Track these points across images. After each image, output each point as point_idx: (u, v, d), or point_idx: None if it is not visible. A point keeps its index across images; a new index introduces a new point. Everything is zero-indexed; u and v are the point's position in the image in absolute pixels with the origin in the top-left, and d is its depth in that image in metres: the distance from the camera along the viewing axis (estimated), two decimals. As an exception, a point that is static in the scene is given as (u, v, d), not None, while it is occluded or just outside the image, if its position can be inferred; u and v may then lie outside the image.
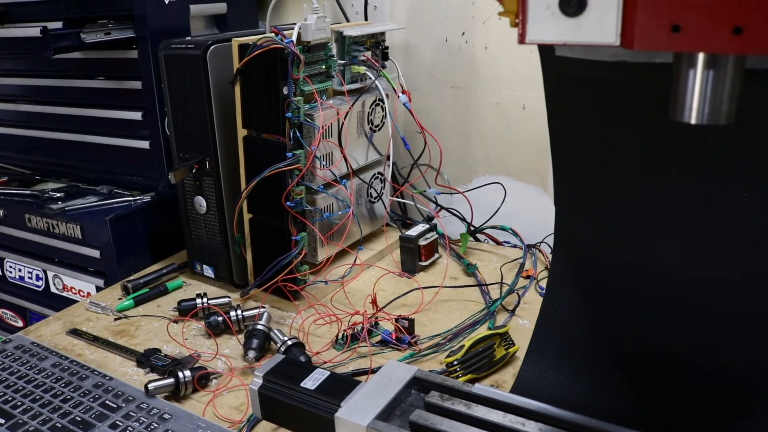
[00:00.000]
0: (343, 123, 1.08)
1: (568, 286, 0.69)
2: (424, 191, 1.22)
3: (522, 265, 1.13)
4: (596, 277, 0.67)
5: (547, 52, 0.58)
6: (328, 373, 0.68)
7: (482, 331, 0.96)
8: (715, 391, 0.63)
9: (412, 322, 0.95)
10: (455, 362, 0.84)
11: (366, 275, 1.16)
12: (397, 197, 1.27)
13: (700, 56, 0.43)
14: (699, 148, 0.58)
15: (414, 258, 1.15)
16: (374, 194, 1.21)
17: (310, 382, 0.66)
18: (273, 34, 0.97)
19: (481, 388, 0.62)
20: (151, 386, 0.85)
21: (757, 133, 0.54)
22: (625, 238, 0.64)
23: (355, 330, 0.95)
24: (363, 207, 1.20)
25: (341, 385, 0.66)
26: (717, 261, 0.61)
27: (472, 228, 1.24)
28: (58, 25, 1.21)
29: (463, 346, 0.86)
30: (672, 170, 0.60)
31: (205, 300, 1.04)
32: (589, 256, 0.67)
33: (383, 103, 1.17)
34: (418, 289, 1.06)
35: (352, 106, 1.09)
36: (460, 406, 0.60)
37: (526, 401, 0.60)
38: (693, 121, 0.44)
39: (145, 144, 1.28)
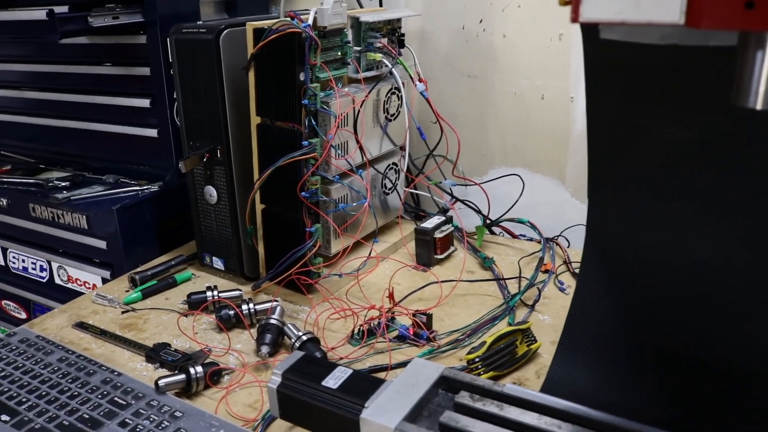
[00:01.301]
0: (359, 111, 1.04)
1: (600, 283, 0.66)
2: (440, 183, 1.19)
3: (541, 259, 1.10)
4: (629, 274, 0.64)
5: (590, 34, 0.55)
6: (351, 371, 0.65)
7: (502, 326, 0.93)
8: (752, 391, 0.60)
9: (430, 317, 0.92)
10: (477, 359, 0.81)
11: (380, 268, 1.13)
12: (411, 189, 1.24)
13: (769, 35, 0.40)
14: (746, 142, 0.55)
15: (429, 251, 1.12)
16: (389, 185, 1.18)
17: (332, 381, 0.63)
18: (289, 18, 0.93)
19: (512, 388, 0.59)
20: (161, 382, 0.82)
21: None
22: (660, 234, 0.61)
23: (372, 325, 0.92)
24: (377, 198, 1.17)
25: (365, 384, 0.63)
26: (758, 262, 0.58)
27: (488, 221, 1.20)
28: (65, 9, 1.17)
29: (484, 342, 0.83)
30: (715, 165, 0.57)
31: (215, 293, 1.01)
32: (622, 253, 0.64)
33: (399, 91, 1.13)
34: (436, 282, 1.03)
35: (369, 93, 1.06)
36: (491, 407, 0.57)
37: (560, 402, 0.57)
38: (759, 107, 0.41)
39: (153, 132, 1.25)
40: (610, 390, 0.65)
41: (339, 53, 1.04)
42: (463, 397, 0.59)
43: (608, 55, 0.55)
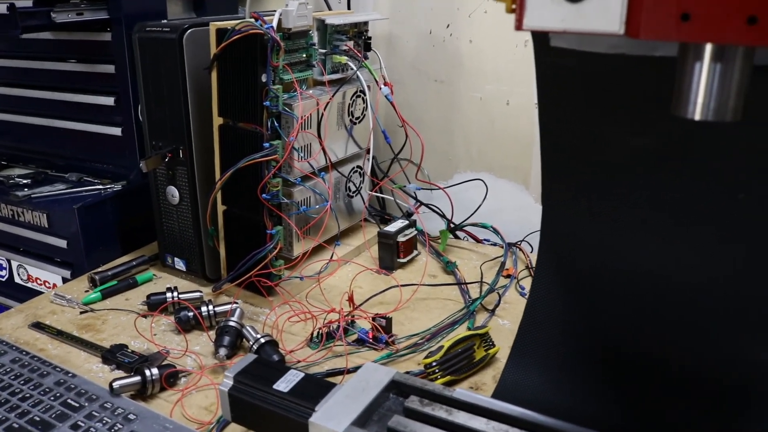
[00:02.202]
0: (322, 114, 1.04)
1: (553, 288, 0.67)
2: (404, 186, 1.19)
3: (503, 263, 1.10)
4: (582, 278, 0.65)
5: (541, 42, 0.56)
6: (303, 374, 0.65)
7: (461, 331, 0.93)
8: (700, 395, 0.61)
9: (389, 320, 0.92)
10: (434, 363, 0.82)
11: (342, 271, 1.13)
12: (376, 192, 1.24)
13: (708, 48, 0.40)
14: (694, 147, 0.56)
15: (392, 255, 1.12)
16: (353, 188, 1.18)
17: (284, 384, 0.63)
18: (253, 20, 0.93)
19: (462, 393, 0.59)
20: (116, 384, 0.81)
21: (758, 133, 0.52)
22: (613, 239, 0.62)
23: (331, 328, 0.91)
24: (341, 201, 1.17)
25: (316, 388, 0.63)
26: (708, 265, 0.59)
27: (452, 225, 1.21)
28: (28, 3, 1.16)
29: (442, 346, 0.83)
30: (665, 170, 0.58)
31: (175, 294, 1.00)
32: (576, 258, 0.65)
33: (364, 94, 1.13)
34: (396, 286, 1.03)
35: (333, 96, 1.06)
36: (440, 412, 0.57)
37: (509, 407, 0.57)
38: (697, 117, 0.41)
39: (117, 131, 1.23)
40: (561, 395, 0.65)
41: (304, 55, 1.04)
42: (413, 402, 0.59)
43: (559, 63, 0.56)
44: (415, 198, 1.23)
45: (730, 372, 0.60)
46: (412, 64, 1.30)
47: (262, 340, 0.88)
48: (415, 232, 1.15)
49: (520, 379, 0.67)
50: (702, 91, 0.41)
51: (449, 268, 1.11)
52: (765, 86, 0.48)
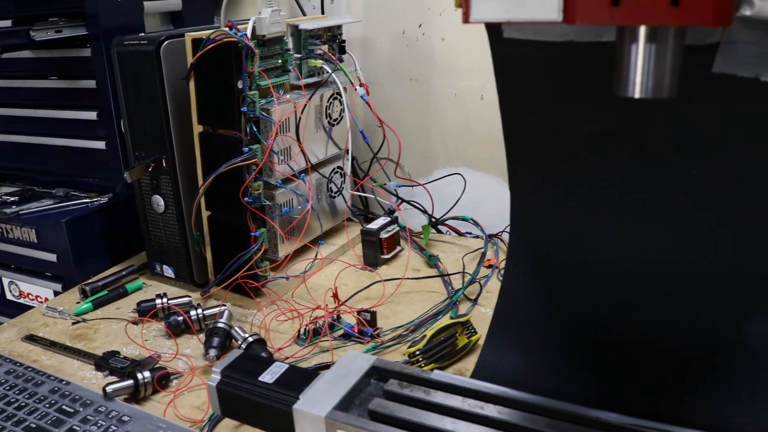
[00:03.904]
0: (300, 117, 1.07)
1: (524, 271, 0.69)
2: (384, 184, 1.22)
3: (483, 254, 1.13)
4: (551, 261, 0.67)
5: (495, 34, 0.58)
6: (287, 366, 0.67)
7: (445, 321, 0.96)
8: (669, 369, 0.63)
9: (374, 314, 0.94)
10: (417, 352, 0.84)
11: (328, 270, 1.15)
12: (357, 191, 1.27)
13: (642, 30, 0.43)
14: (646, 128, 0.58)
15: (376, 251, 1.14)
16: (334, 189, 1.20)
17: (269, 376, 0.65)
18: (227, 28, 0.96)
19: (439, 374, 0.62)
20: (109, 389, 0.83)
21: (700, 110, 0.55)
22: (578, 222, 0.64)
23: (317, 325, 0.94)
24: (324, 202, 1.19)
25: (300, 378, 0.65)
26: (669, 243, 0.61)
27: (433, 220, 1.23)
28: (8, 23, 1.18)
29: (425, 336, 0.86)
30: (621, 152, 0.60)
31: (165, 300, 1.02)
32: (544, 241, 0.67)
33: (341, 96, 1.16)
34: (380, 281, 1.05)
35: (309, 99, 1.08)
36: (419, 392, 0.60)
37: (484, 385, 0.59)
38: (636, 96, 0.44)
39: (101, 144, 1.25)
40: (537, 374, 0.68)
41: (280, 61, 1.06)
42: (392, 385, 0.61)
43: (513, 53, 0.58)
44: (396, 195, 1.26)
45: (704, 345, 0.63)
46: (387, 64, 1.32)
47: (250, 339, 0.90)
48: (398, 228, 1.18)
49: (497, 360, 0.69)
50: (639, 71, 0.43)
51: (432, 261, 1.14)
52: (702, 66, 0.51)
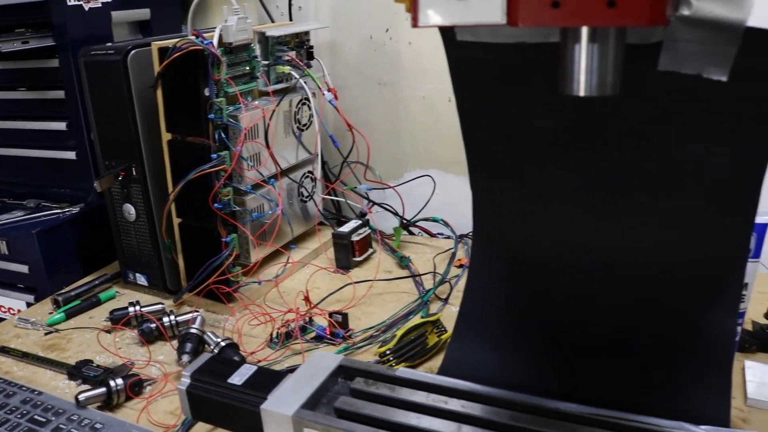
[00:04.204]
0: (268, 123, 1.08)
1: (487, 268, 0.71)
2: (355, 188, 1.23)
3: (453, 254, 1.15)
4: (513, 258, 0.69)
5: (449, 37, 0.60)
6: (256, 367, 0.68)
7: (416, 320, 0.97)
8: (629, 360, 0.65)
9: (345, 316, 0.95)
10: (387, 352, 0.85)
11: (301, 274, 1.16)
12: (329, 195, 1.28)
13: (584, 30, 0.44)
14: (599, 126, 0.60)
15: (347, 254, 1.15)
16: (306, 193, 1.22)
17: (238, 378, 0.66)
18: (193, 37, 0.96)
19: (404, 371, 0.63)
20: (81, 397, 0.83)
21: (650, 106, 0.56)
22: (537, 220, 0.66)
23: (289, 328, 0.95)
24: (295, 206, 1.20)
25: (269, 379, 0.66)
26: (627, 238, 0.63)
27: (405, 222, 1.25)
28: (-27, 36, 1.18)
29: (395, 335, 0.87)
30: (576, 149, 0.62)
31: (137, 308, 1.03)
32: (504, 238, 0.69)
33: (309, 102, 1.17)
34: (351, 284, 1.06)
35: (277, 105, 1.09)
36: (384, 389, 0.61)
37: (447, 380, 0.61)
38: (581, 94, 0.46)
39: (71, 155, 1.25)
40: (502, 367, 0.69)
41: (247, 68, 1.07)
42: (358, 383, 0.62)
43: (467, 55, 0.60)
44: (367, 198, 1.27)
45: (660, 338, 0.64)
46: (355, 68, 1.34)
47: (223, 344, 0.91)
48: (369, 231, 1.19)
49: (464, 356, 0.71)
50: (583, 70, 0.45)
51: (404, 262, 1.15)
52: (646, 64, 0.53)
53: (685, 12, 0.49)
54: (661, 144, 0.58)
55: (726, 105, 0.54)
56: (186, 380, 0.68)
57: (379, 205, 1.27)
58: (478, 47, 0.58)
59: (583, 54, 0.45)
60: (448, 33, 0.59)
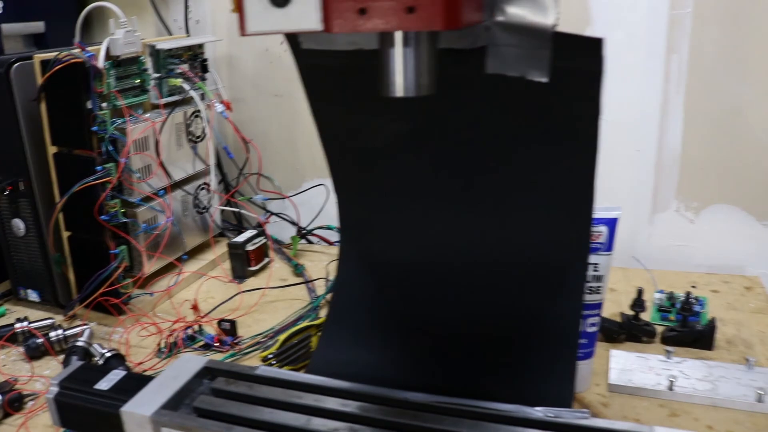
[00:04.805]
0: (158, 135, 1.08)
1: (354, 270, 0.73)
2: (251, 198, 1.24)
3: (347, 261, 1.17)
4: (374, 257, 0.72)
5: (295, 45, 0.62)
6: (124, 373, 0.69)
7: (303, 325, 0.99)
8: (480, 351, 0.69)
9: (233, 324, 0.97)
10: (270, 356, 0.87)
11: (196, 285, 1.17)
12: (227, 206, 1.29)
13: (397, 35, 0.48)
14: (445, 129, 0.63)
15: (243, 264, 1.17)
16: (201, 205, 1.22)
17: (105, 383, 0.67)
18: (78, 50, 0.97)
19: (265, 369, 0.65)
20: (-44, 414, 0.82)
21: (485, 109, 0.60)
22: (394, 220, 0.69)
23: (177, 337, 0.95)
24: (191, 218, 1.21)
25: (136, 383, 0.67)
26: (472, 236, 0.66)
27: (302, 230, 1.27)
28: None
29: (277, 340, 0.88)
30: (425, 153, 0.65)
31: (24, 323, 1.01)
32: (366, 238, 0.72)
33: (202, 114, 1.18)
34: (241, 293, 1.08)
35: (167, 118, 1.10)
36: (243, 387, 0.63)
37: (304, 376, 0.63)
38: (398, 95, 0.49)
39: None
40: (366, 364, 0.71)
41: (137, 81, 1.08)
42: (219, 383, 0.64)
43: (314, 63, 0.63)
44: (264, 208, 1.29)
45: (505, 329, 0.68)
46: (251, 81, 1.35)
47: (108, 355, 0.91)
48: (265, 240, 1.21)
49: (331, 355, 0.73)
50: (398, 72, 0.48)
51: (298, 270, 1.17)
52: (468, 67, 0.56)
53: (501, 18, 0.53)
54: (501, 147, 0.62)
55: (556, 106, 0.58)
56: (54, 388, 0.69)
57: (277, 214, 1.29)
58: (324, 54, 0.61)
59: (397, 57, 0.48)
60: (293, 41, 0.62)
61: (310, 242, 1.31)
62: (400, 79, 0.48)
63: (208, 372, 0.67)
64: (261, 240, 1.19)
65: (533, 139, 0.60)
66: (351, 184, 0.70)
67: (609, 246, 0.77)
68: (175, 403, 0.63)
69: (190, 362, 0.67)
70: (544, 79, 0.55)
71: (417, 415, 0.57)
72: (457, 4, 0.44)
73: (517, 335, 0.67)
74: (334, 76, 0.63)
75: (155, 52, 1.13)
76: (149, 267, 1.10)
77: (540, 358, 0.66)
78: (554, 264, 0.65)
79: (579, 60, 0.53)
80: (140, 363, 0.93)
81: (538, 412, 0.58)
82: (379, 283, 0.72)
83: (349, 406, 0.59)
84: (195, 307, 0.99)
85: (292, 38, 0.62)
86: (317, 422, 0.57)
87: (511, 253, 0.65)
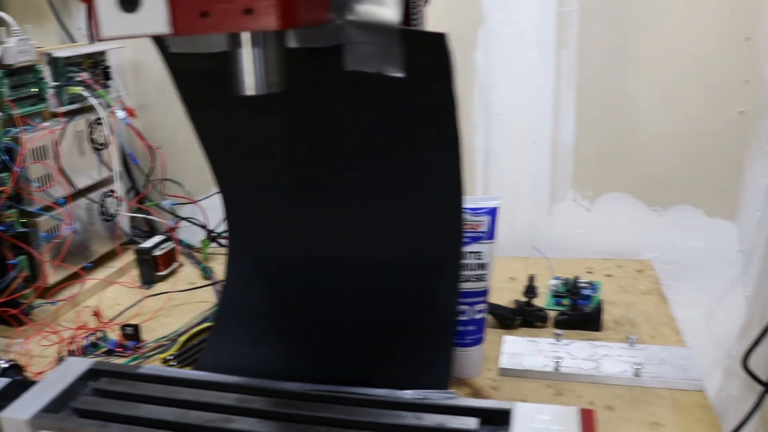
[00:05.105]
0: (56, 144, 1.08)
1: (239, 266, 0.75)
2: (158, 204, 1.24)
3: (256, 262, 1.18)
4: (259, 253, 0.74)
5: (163, 49, 0.64)
6: (10, 380, 0.69)
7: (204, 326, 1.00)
8: (371, 339, 0.71)
9: (136, 328, 0.97)
10: (169, 357, 0.88)
11: (103, 293, 1.16)
12: (134, 213, 1.29)
13: (243, 36, 0.50)
14: (321, 127, 0.66)
15: (151, 269, 1.17)
16: (108, 212, 1.22)
17: (-11, 392, 0.67)
18: (-35, 60, 0.96)
19: (148, 368, 0.66)
20: None
21: (342, 103, 0.62)
22: (276, 217, 0.71)
23: (77, 345, 0.95)
24: (98, 225, 1.20)
25: (19, 389, 0.67)
26: (353, 233, 0.69)
27: (212, 234, 1.27)
28: None
29: (177, 341, 0.89)
30: (304, 151, 0.67)
31: None
32: (249, 235, 0.73)
33: (104, 121, 1.18)
34: (147, 297, 1.08)
35: (65, 126, 1.10)
36: (125, 386, 0.64)
37: (185, 372, 0.65)
38: (250, 93, 0.51)
39: None
40: (254, 359, 0.73)
41: (34, 89, 1.07)
42: (102, 383, 0.65)
43: (186, 66, 0.64)
44: (173, 213, 1.29)
45: (395, 316, 0.71)
46: (158, 87, 1.35)
47: (5, 366, 0.90)
48: (173, 245, 1.21)
49: (218, 351, 0.74)
50: (247, 71, 0.50)
51: (207, 273, 1.18)
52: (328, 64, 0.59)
53: (351, 17, 0.55)
54: (370, 142, 0.65)
55: (415, 100, 0.61)
56: (-64, 401, 0.68)
57: (186, 219, 1.29)
58: (195, 57, 0.63)
59: (245, 57, 0.50)
60: (161, 44, 0.63)
61: (220, 245, 1.31)
62: (250, 78, 0.50)
63: (93, 374, 0.67)
64: (169, 245, 1.20)
65: (398, 133, 0.63)
66: (233, 183, 0.72)
67: (491, 234, 0.80)
68: (57, 405, 0.63)
69: (75, 365, 0.68)
70: (399, 74, 0.58)
71: (292, 403, 0.59)
72: (292, 4, 0.46)
73: (397, 325, 0.69)
74: (205, 79, 0.64)
75: (53, 60, 1.12)
76: (52, 276, 1.09)
77: (419, 346, 0.69)
78: (429, 254, 0.68)
79: (427, 55, 0.55)
80: (40, 372, 0.93)
81: (407, 394, 0.61)
82: (265, 279, 0.74)
83: (227, 398, 0.60)
84: (96, 314, 0.99)
85: (160, 43, 0.64)
86: (194, 415, 0.58)
87: (386, 245, 0.68)
